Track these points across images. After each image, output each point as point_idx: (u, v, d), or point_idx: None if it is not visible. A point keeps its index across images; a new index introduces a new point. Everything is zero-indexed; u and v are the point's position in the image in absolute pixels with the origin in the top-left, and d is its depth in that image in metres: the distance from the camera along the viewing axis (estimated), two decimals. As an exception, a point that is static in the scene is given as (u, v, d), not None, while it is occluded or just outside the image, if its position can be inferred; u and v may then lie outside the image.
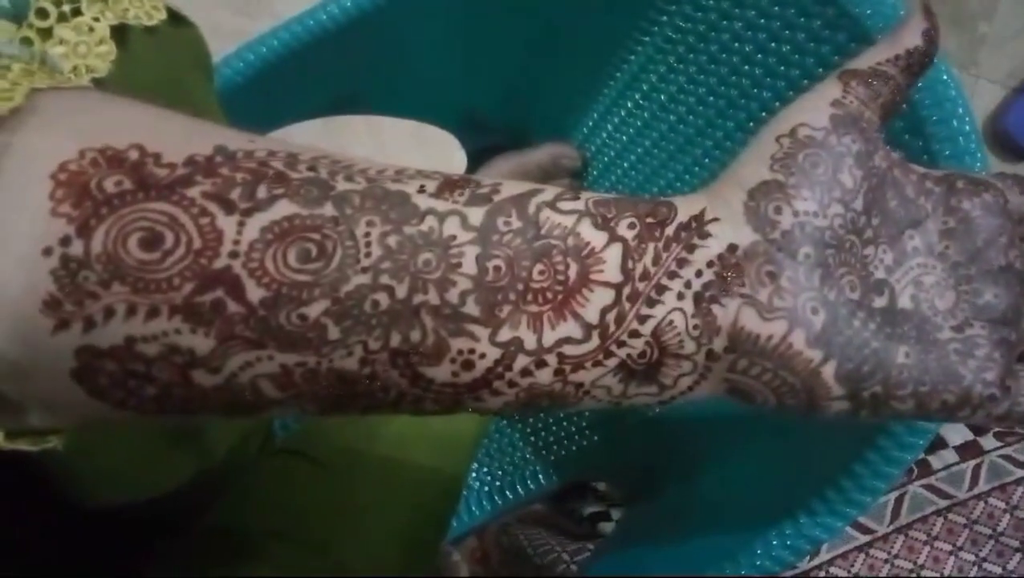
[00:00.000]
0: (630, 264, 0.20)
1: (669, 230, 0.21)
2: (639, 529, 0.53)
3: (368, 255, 0.19)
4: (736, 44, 0.43)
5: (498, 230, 0.20)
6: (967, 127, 0.38)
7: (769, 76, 0.44)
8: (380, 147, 0.55)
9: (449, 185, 0.21)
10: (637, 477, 0.57)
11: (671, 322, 0.20)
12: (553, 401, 0.21)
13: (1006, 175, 0.25)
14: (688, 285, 0.20)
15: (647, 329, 0.20)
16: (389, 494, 0.44)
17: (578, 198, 0.21)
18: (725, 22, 0.43)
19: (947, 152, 0.38)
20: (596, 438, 0.59)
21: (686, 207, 0.22)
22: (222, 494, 0.42)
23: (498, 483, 0.59)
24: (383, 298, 0.19)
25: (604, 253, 0.20)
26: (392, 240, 0.19)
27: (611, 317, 0.20)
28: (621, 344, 0.20)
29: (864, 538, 0.46)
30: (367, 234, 0.19)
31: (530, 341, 0.20)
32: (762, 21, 0.42)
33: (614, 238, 0.20)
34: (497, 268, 0.19)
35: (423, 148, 0.55)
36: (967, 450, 0.49)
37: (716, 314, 0.20)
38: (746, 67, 0.44)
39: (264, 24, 0.48)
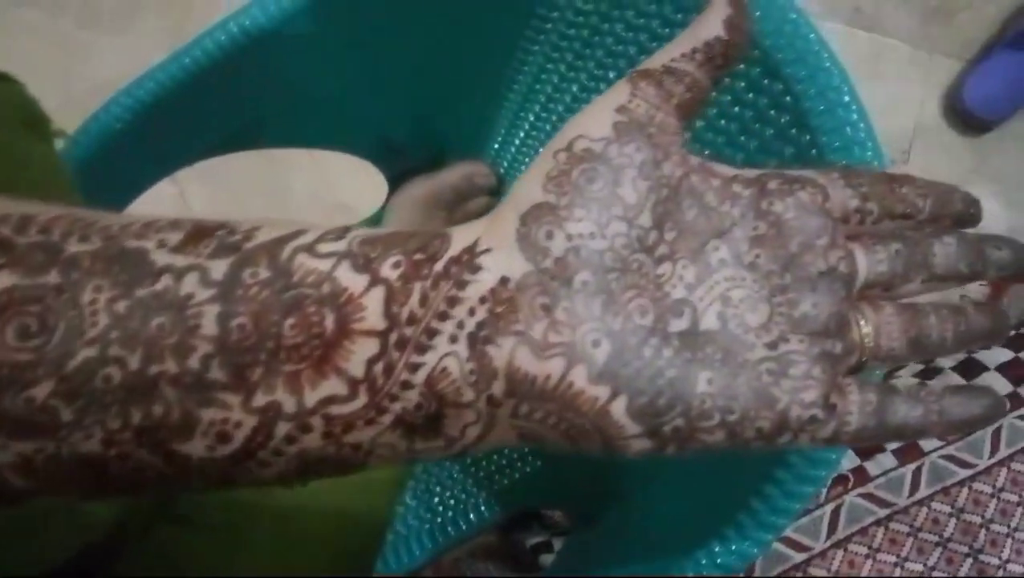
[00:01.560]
0: (395, 308, 0.18)
1: (439, 266, 0.19)
2: (577, 556, 0.51)
3: (95, 325, 0.17)
4: (620, 47, 0.41)
5: (243, 283, 0.18)
6: (854, 115, 0.35)
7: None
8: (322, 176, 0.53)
9: (196, 236, 0.19)
10: (582, 502, 0.55)
11: (445, 369, 0.18)
12: (336, 467, 0.19)
13: (834, 168, 0.23)
14: (461, 326, 0.19)
15: (419, 378, 0.18)
16: (294, 548, 0.42)
17: (342, 238, 0.19)
18: (606, 25, 0.41)
19: (836, 144, 0.35)
20: (539, 464, 0.56)
21: (462, 238, 0.20)
22: (110, 569, 0.40)
23: (439, 519, 0.57)
24: (115, 372, 0.17)
25: (364, 298, 0.18)
26: (121, 305, 0.18)
27: (379, 369, 0.18)
28: (393, 398, 0.18)
29: (800, 556, 0.44)
30: (93, 301, 0.18)
31: (289, 404, 0.18)
32: (641, 21, 0.40)
33: (376, 281, 0.19)
34: (242, 326, 0.18)
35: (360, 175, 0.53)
36: (906, 453, 0.46)
37: (491, 356, 0.18)
38: (632, 68, 0.42)
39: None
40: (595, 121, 0.20)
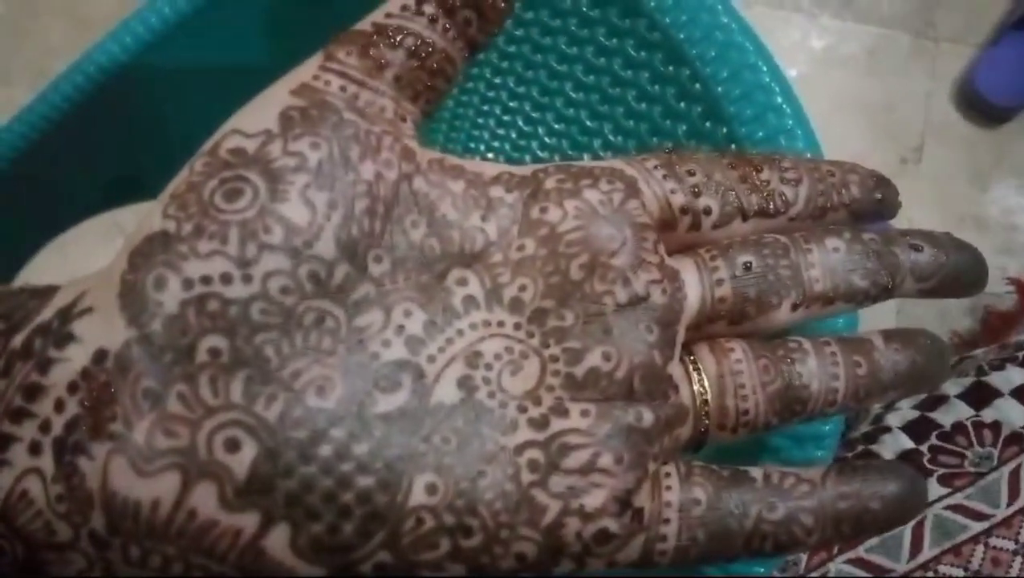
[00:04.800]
0: None
1: (17, 340, 0.13)
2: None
3: None
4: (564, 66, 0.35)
5: None
6: (777, 98, 0.28)
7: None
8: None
9: None
10: None
11: (25, 493, 0.13)
12: None
13: (656, 153, 0.16)
14: (46, 428, 0.13)
15: None
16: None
17: None
18: (548, 39, 0.35)
19: (759, 134, 0.28)
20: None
21: (67, 293, 0.14)
22: None
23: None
24: None
25: None
26: None
27: None
28: None
29: (779, 642, 0.36)
30: None
31: None
32: (585, 32, 0.33)
33: None
34: None
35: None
36: (903, 505, 0.38)
37: (84, 473, 0.12)
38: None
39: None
40: (259, 109, 0.14)
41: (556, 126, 0.37)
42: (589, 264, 0.15)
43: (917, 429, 0.41)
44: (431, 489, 0.13)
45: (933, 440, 0.40)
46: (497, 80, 0.39)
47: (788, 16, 0.91)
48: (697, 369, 0.16)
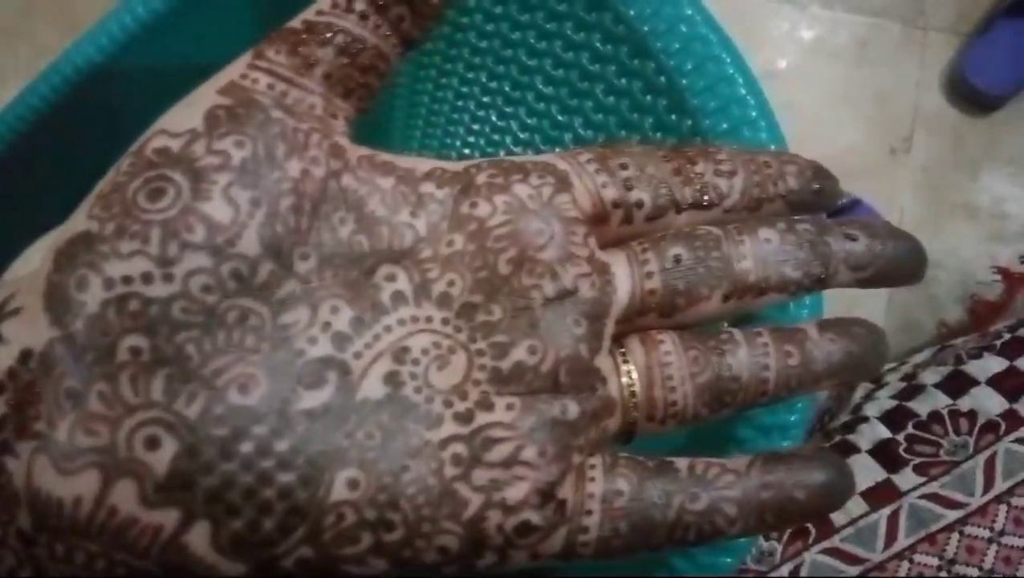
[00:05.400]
0: None
1: None
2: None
3: None
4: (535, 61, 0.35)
5: None
6: (741, 90, 0.28)
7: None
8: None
9: None
10: None
11: None
12: None
13: (586, 148, 0.16)
14: None
15: None
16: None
17: None
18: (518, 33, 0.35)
19: (723, 126, 0.28)
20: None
21: (1, 294, 0.14)
22: None
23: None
24: None
25: None
26: None
27: None
28: None
29: (754, 632, 0.36)
30: None
31: None
32: (552, 25, 0.33)
33: None
34: None
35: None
36: (877, 494, 0.38)
37: (10, 471, 0.13)
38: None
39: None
40: (187, 109, 0.14)
41: (528, 120, 0.37)
42: (517, 258, 0.15)
43: (894, 418, 0.41)
44: (352, 484, 0.13)
45: (910, 429, 0.40)
46: (470, 75, 0.39)
47: (777, 7, 0.91)
48: (626, 361, 0.16)
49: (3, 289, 0.14)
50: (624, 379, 0.15)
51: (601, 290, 0.15)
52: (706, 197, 0.16)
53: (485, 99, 0.39)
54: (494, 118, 0.38)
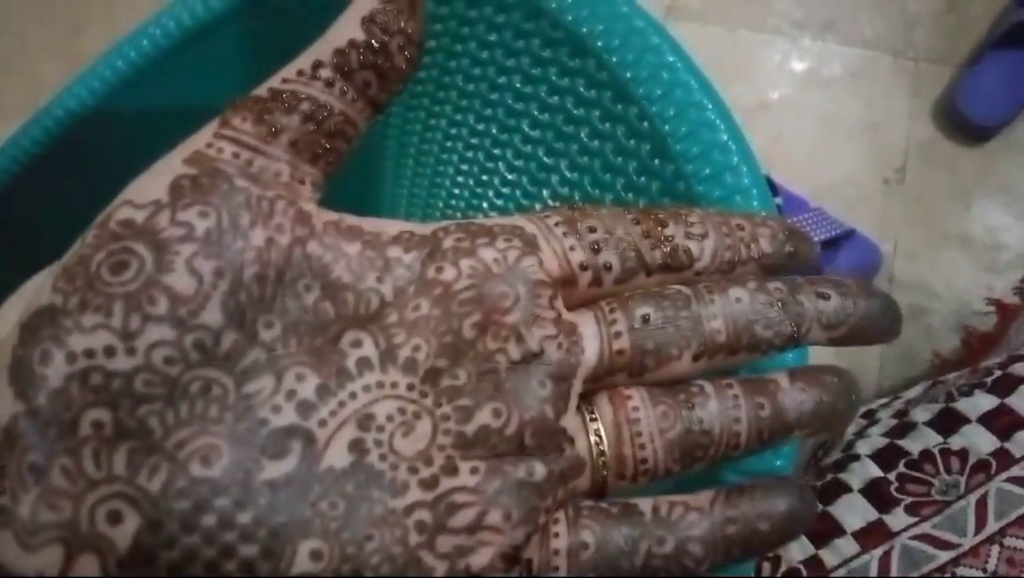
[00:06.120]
0: None
1: None
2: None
3: None
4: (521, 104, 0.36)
5: None
6: (723, 136, 0.29)
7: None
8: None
9: None
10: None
11: None
12: None
13: (555, 211, 0.17)
14: None
15: None
16: None
17: None
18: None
19: (705, 171, 0.29)
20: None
21: None
22: None
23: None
24: None
25: None
26: None
27: None
28: None
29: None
30: None
31: None
32: (537, 71, 0.34)
33: None
34: None
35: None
36: (870, 535, 0.38)
37: None
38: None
39: None
40: (152, 179, 0.14)
41: (516, 162, 0.37)
42: (482, 322, 0.15)
43: (885, 457, 0.41)
44: (316, 555, 0.13)
45: (901, 468, 0.40)
46: (458, 117, 0.39)
47: (770, 39, 0.92)
48: (594, 419, 0.16)
49: None
50: (592, 438, 0.15)
51: (568, 351, 0.15)
52: (676, 260, 0.16)
53: (473, 140, 0.39)
54: (482, 159, 0.39)
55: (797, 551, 0.38)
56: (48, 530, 0.12)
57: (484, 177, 0.39)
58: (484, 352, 0.15)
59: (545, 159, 0.35)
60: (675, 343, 0.16)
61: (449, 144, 0.40)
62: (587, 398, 0.16)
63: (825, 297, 0.17)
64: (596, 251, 0.16)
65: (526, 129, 0.36)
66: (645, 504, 0.15)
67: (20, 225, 0.42)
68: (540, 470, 0.14)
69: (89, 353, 0.13)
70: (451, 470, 0.14)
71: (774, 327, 0.16)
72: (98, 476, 0.13)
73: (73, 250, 0.14)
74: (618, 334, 0.16)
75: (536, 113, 0.35)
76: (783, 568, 0.37)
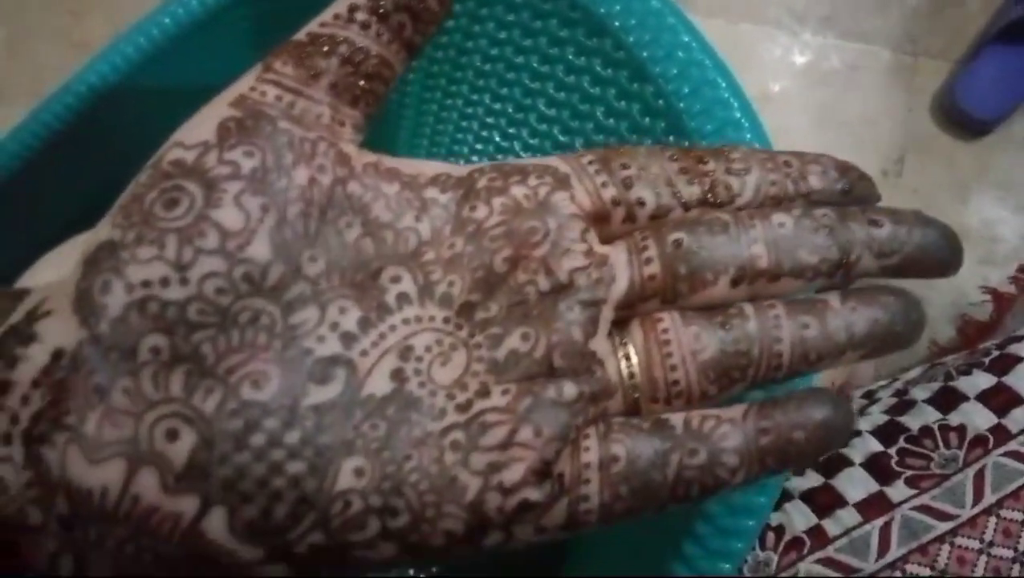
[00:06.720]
0: None
1: None
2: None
3: None
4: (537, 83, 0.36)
5: None
6: (736, 113, 0.30)
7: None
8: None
9: None
10: None
11: (1, 480, 0.14)
12: None
13: (589, 151, 0.17)
14: (15, 420, 0.14)
15: None
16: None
17: None
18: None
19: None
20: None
21: (35, 297, 0.15)
22: None
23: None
24: None
25: None
26: None
27: None
28: None
29: (751, 641, 0.37)
30: None
31: None
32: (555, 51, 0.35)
33: None
34: None
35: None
36: (871, 506, 0.39)
37: (48, 462, 0.14)
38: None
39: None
40: (200, 122, 0.15)
41: (531, 141, 0.38)
42: (513, 257, 0.15)
43: (886, 432, 0.42)
44: (358, 472, 0.14)
45: (901, 443, 0.41)
46: (474, 97, 0.40)
47: (771, 33, 0.93)
48: (624, 343, 0.16)
49: (35, 294, 0.15)
50: (622, 361, 0.16)
51: (597, 280, 0.16)
52: (715, 195, 0.16)
53: (488, 120, 0.40)
54: (497, 138, 0.40)
55: (800, 521, 0.39)
56: (112, 446, 0.13)
57: (499, 156, 0.40)
58: (515, 285, 0.15)
59: (560, 137, 0.36)
60: (710, 267, 0.16)
61: (464, 124, 0.41)
62: (621, 325, 0.16)
63: (878, 224, 0.16)
64: (628, 186, 0.16)
65: (542, 108, 0.37)
66: (676, 418, 0.15)
67: (42, 200, 0.43)
68: (570, 390, 0.15)
69: (146, 284, 0.14)
70: (484, 393, 0.15)
71: (820, 252, 0.16)
72: (156, 397, 0.13)
73: (128, 190, 0.15)
74: (649, 260, 0.16)
75: (553, 92, 0.36)
76: (787, 537, 0.38)
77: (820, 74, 0.91)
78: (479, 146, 0.41)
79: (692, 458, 0.15)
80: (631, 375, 0.16)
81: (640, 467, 0.15)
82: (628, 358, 0.16)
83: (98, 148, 0.42)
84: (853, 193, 0.17)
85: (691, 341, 0.16)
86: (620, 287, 0.16)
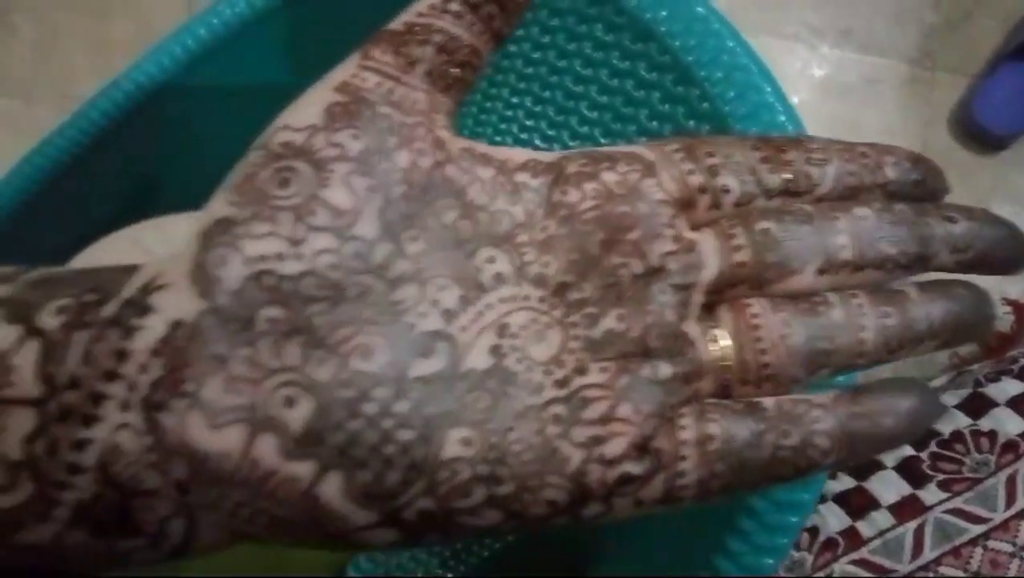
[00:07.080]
0: (51, 368, 0.14)
1: (108, 310, 0.14)
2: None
3: None
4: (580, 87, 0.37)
5: None
6: (781, 117, 0.30)
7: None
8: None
9: None
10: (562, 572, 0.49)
11: (118, 446, 0.14)
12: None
13: (674, 139, 0.18)
14: (133, 388, 0.14)
15: (90, 459, 0.14)
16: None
17: (11, 280, 0.15)
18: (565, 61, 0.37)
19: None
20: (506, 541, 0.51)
21: (148, 271, 0.15)
22: None
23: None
24: None
25: (15, 357, 0.14)
26: None
27: (40, 449, 0.14)
28: (62, 485, 0.14)
29: (785, 641, 0.37)
30: None
31: None
32: (599, 55, 0.35)
33: (30, 332, 0.14)
34: None
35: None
36: (904, 509, 0.39)
37: (166, 427, 0.14)
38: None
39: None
40: (306, 106, 0.16)
41: (571, 144, 0.39)
42: (606, 240, 0.16)
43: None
44: (466, 442, 0.14)
45: (933, 447, 0.41)
46: (515, 100, 0.41)
47: (790, 46, 0.94)
48: (715, 326, 0.16)
49: (147, 268, 0.16)
50: (712, 343, 0.16)
51: (687, 264, 0.16)
52: (797, 184, 0.17)
53: (528, 122, 0.41)
54: (537, 140, 0.40)
55: (834, 522, 0.40)
56: (232, 412, 0.14)
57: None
58: (608, 267, 0.16)
59: (601, 140, 0.37)
60: (797, 256, 0.16)
61: (504, 126, 0.42)
62: (710, 310, 0.17)
63: (953, 220, 0.17)
64: (713, 174, 0.17)
65: (584, 111, 0.37)
66: (768, 401, 0.16)
67: (88, 196, 0.44)
68: (665, 369, 0.15)
69: (262, 258, 0.14)
70: (581, 370, 0.15)
71: (900, 245, 0.16)
72: (274, 365, 0.14)
73: (239, 170, 0.16)
74: (738, 247, 0.16)
75: (595, 95, 0.36)
76: (821, 538, 0.39)
77: (838, 87, 0.92)
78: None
79: (785, 439, 0.15)
80: (722, 357, 0.16)
81: (735, 446, 0.15)
82: (717, 341, 0.16)
83: (144, 146, 0.42)
84: (925, 184, 0.18)
85: (780, 326, 0.16)
86: (710, 272, 0.16)
